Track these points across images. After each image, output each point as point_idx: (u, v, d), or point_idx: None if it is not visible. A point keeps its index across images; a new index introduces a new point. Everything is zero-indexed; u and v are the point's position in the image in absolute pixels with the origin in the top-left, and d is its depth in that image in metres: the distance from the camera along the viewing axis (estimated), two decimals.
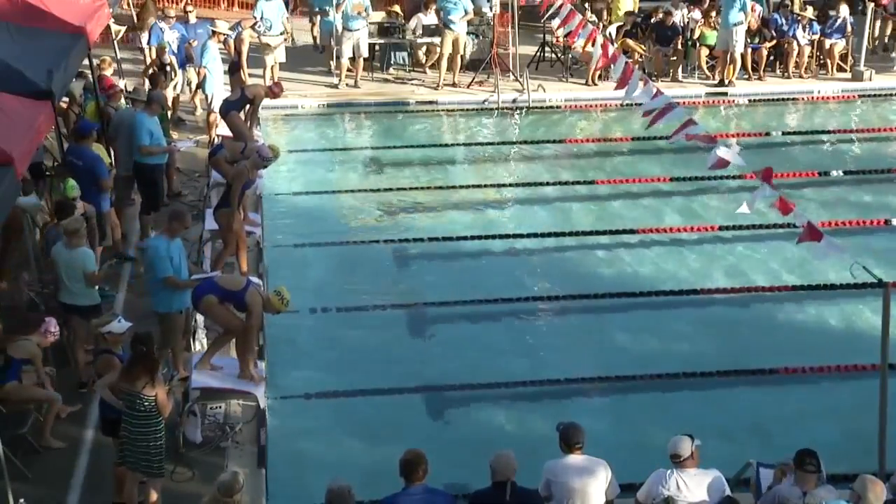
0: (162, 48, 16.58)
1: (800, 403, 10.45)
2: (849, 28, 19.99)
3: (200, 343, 10.47)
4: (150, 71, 15.88)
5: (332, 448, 9.68)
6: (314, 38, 20.83)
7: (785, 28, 19.94)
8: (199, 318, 10.48)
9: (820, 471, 7.45)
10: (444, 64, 19.33)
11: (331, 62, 19.60)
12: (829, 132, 18.16)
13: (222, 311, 9.59)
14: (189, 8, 17.93)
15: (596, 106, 18.96)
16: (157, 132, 12.85)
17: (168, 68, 16.23)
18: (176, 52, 16.74)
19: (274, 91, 14.68)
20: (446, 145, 17.29)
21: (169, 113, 15.13)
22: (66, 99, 13.81)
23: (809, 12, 20.24)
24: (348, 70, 19.26)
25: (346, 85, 19.31)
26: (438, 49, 19.61)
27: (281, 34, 18.64)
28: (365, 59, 19.41)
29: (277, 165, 13.73)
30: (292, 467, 9.32)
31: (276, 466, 9.09)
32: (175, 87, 16.62)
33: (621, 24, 20.16)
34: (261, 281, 11.47)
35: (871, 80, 19.64)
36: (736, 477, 8.37)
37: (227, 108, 14.19)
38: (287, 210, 14.71)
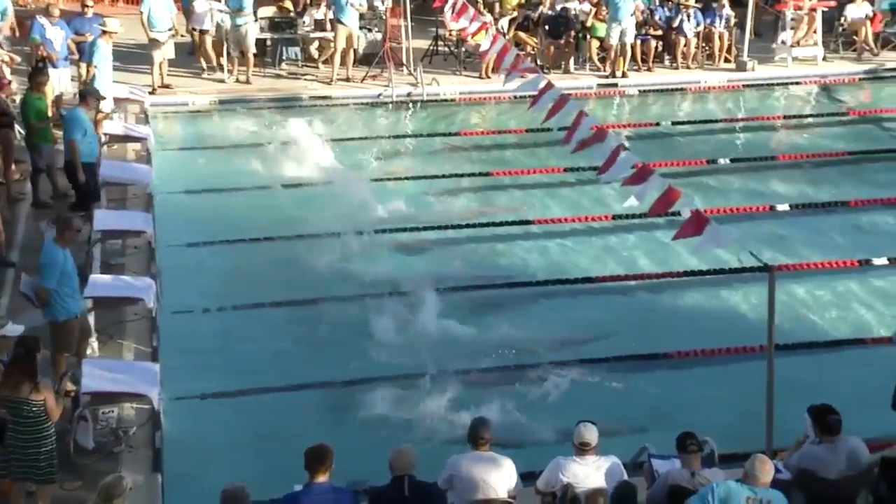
0: (36, 44, 16.04)
1: (693, 386, 10.70)
2: (731, 20, 20.53)
3: (92, 348, 10.22)
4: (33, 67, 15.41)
5: (230, 449, 9.54)
6: (190, 33, 20.29)
7: (671, 17, 20.34)
8: (93, 323, 10.23)
9: (702, 449, 7.64)
10: (337, 59, 19.22)
11: (202, 59, 19.33)
12: (715, 121, 18.63)
13: None
14: (89, 2, 17.32)
15: (490, 98, 19.08)
16: (90, 129, 12.82)
17: (45, 64, 15.71)
18: (59, 49, 16.23)
19: None
20: (340, 140, 17.19)
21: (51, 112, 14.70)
22: None
23: (692, 0, 20.68)
24: (240, 66, 19.04)
25: (238, 81, 19.07)
26: (331, 44, 19.49)
27: (169, 30, 18.27)
28: (255, 55, 19.17)
29: (169, 163, 13.51)
30: (190, 470, 9.13)
31: (173, 470, 8.90)
32: (57, 84, 16.12)
33: (513, 16, 20.33)
34: (154, 282, 11.27)
35: (754, 70, 20.20)
36: (632, 461, 8.52)
37: None
38: (179, 209, 14.43)
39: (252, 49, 19.01)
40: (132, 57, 19.41)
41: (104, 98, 14.96)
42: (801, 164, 16.54)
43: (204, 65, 19.40)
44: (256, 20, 19.54)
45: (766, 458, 6.92)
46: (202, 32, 19.20)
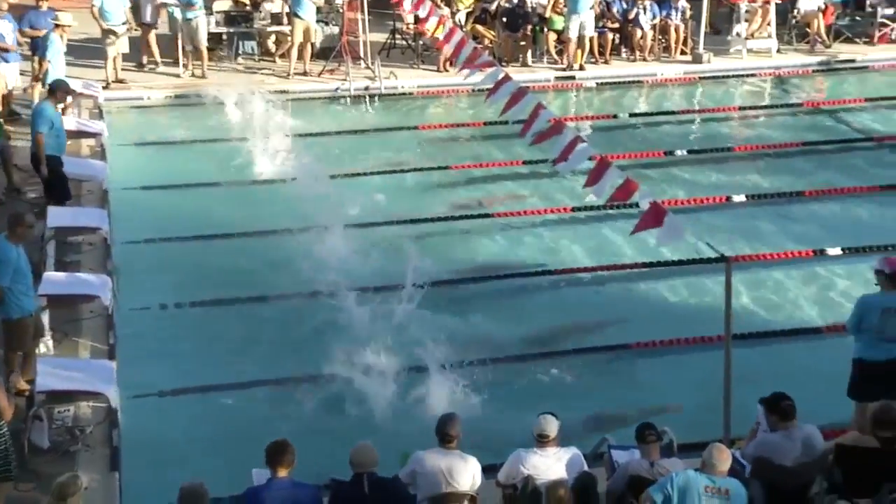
0: None
1: (652, 377, 10.77)
2: (687, 12, 20.68)
3: (47, 346, 10.09)
4: None
5: (189, 446, 9.46)
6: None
7: (627, 9, 20.44)
8: (47, 321, 10.09)
9: (660, 440, 7.70)
10: (294, 53, 19.11)
11: (144, 55, 19.16)
12: (672, 113, 18.75)
13: None
14: None
15: (448, 92, 19.06)
16: (57, 122, 12.72)
17: None
18: (10, 43, 15.98)
19: None
20: (299, 135, 17.08)
21: None
22: None
23: None
24: (195, 61, 18.88)
25: (193, 75, 18.90)
26: (288, 38, 19.38)
27: (123, 24, 18.07)
28: (211, 49, 19.02)
29: (124, 159, 13.37)
30: (148, 468, 9.04)
31: (131, 468, 8.81)
32: (7, 79, 15.88)
33: (470, 10, 20.32)
34: (110, 279, 11.15)
35: (709, 62, 20.35)
36: (592, 452, 8.57)
37: None
38: (136, 205, 14.27)
39: (205, 43, 18.84)
40: (86, 51, 19.20)
41: (74, 92, 14.81)
42: (756, 155, 16.70)
43: (144, 59, 19.19)
44: (212, 13, 19.40)
45: (724, 447, 6.98)
46: (147, 26, 18.99)
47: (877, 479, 7.15)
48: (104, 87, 17.73)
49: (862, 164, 16.16)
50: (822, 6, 21.21)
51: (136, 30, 19.14)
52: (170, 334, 11.27)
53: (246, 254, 13.04)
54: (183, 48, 18.87)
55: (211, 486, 7.04)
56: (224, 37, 19.94)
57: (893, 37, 21.66)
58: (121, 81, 18.35)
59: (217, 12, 19.59)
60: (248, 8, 20.06)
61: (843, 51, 21.17)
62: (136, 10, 19.02)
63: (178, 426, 9.79)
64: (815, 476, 7.65)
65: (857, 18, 22.01)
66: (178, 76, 18.91)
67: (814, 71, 20.69)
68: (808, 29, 21.35)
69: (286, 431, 8.39)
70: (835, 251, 13.08)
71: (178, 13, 18.67)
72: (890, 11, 21.76)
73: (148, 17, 18.91)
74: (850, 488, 7.43)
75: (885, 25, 21.62)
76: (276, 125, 17.01)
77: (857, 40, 21.56)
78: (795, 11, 21.42)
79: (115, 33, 17.81)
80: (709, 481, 6.73)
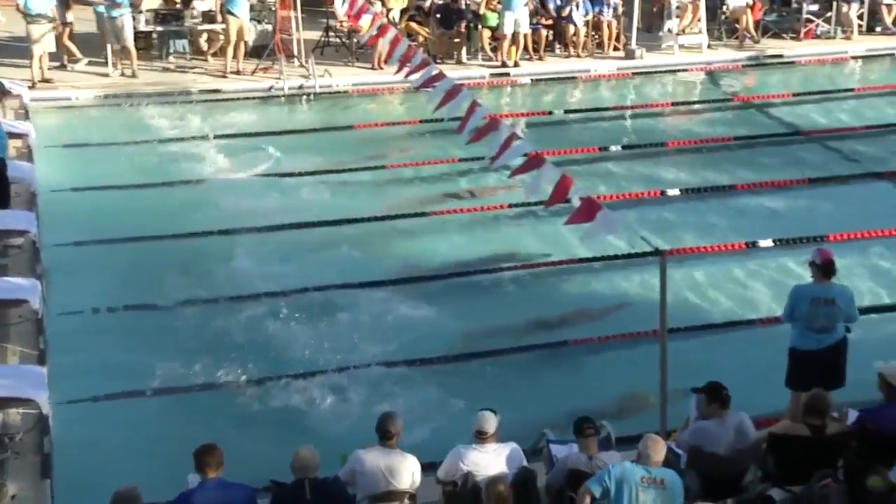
0: None
1: (589, 372, 10.83)
2: (619, 9, 20.88)
3: None
4: None
5: (123, 452, 9.28)
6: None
7: (561, 6, 20.55)
8: None
9: (598, 433, 7.76)
10: (230, 51, 18.91)
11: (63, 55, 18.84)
12: (606, 109, 18.90)
13: None
14: None
15: (383, 90, 19.00)
16: None
17: None
18: None
19: None
20: (232, 136, 16.90)
21: None
22: None
23: None
24: (124, 60, 18.60)
25: (123, 74, 18.61)
26: (220, 36, 19.17)
27: (49, 22, 17.73)
28: (141, 48, 18.74)
29: (52, 160, 13.10)
30: (81, 475, 8.85)
31: (64, 475, 8.63)
32: None
33: (404, 7, 20.29)
34: (39, 283, 10.91)
35: (642, 58, 20.56)
36: (532, 447, 8.58)
37: None
38: (65, 207, 13.99)
39: (132, 41, 18.55)
40: (10, 50, 18.80)
41: (10, 92, 14.50)
42: (689, 149, 16.90)
43: (65, 59, 18.83)
44: (141, 11, 19.12)
45: (658, 437, 7.04)
46: (63, 24, 18.63)
47: (808, 467, 7.27)
48: (30, 87, 17.39)
49: (791, 158, 16.45)
50: (750, 2, 21.57)
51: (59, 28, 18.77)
52: (103, 338, 11.07)
53: (179, 255, 12.87)
54: (111, 47, 18.55)
55: (147, 492, 6.93)
56: (154, 35, 19.66)
57: (818, 32, 22.10)
58: (47, 81, 18.01)
59: (147, 10, 19.30)
60: (178, 6, 19.80)
61: (771, 46, 21.55)
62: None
63: (113, 432, 9.61)
64: (748, 464, 7.76)
65: (784, 14, 22.44)
66: (107, 76, 18.61)
67: (743, 66, 21.04)
68: (737, 25, 21.70)
69: (223, 435, 8.30)
70: (766, 243, 13.29)
71: (103, 11, 18.34)
72: (815, 7, 22.21)
73: (66, 16, 18.54)
74: (783, 476, 7.54)
75: (811, 21, 22.05)
76: (209, 125, 16.80)
77: (784, 36, 21.98)
78: (724, 7, 21.75)
79: (39, 23, 17.39)
80: (644, 472, 6.80)
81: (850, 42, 21.94)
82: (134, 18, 18.85)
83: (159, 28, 19.61)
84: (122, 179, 15.01)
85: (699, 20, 21.23)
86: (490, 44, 20.30)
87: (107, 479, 8.32)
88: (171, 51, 19.75)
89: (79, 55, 18.82)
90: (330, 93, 18.91)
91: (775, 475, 7.61)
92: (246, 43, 19.30)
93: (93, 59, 19.02)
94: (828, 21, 22.10)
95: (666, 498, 6.75)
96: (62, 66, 18.81)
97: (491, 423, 7.60)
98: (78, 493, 8.56)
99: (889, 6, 22.39)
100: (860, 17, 22.16)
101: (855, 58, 21.62)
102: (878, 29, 22.39)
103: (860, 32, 22.16)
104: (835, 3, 21.98)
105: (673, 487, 6.79)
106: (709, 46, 21.28)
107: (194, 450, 6.95)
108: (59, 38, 18.61)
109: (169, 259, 12.80)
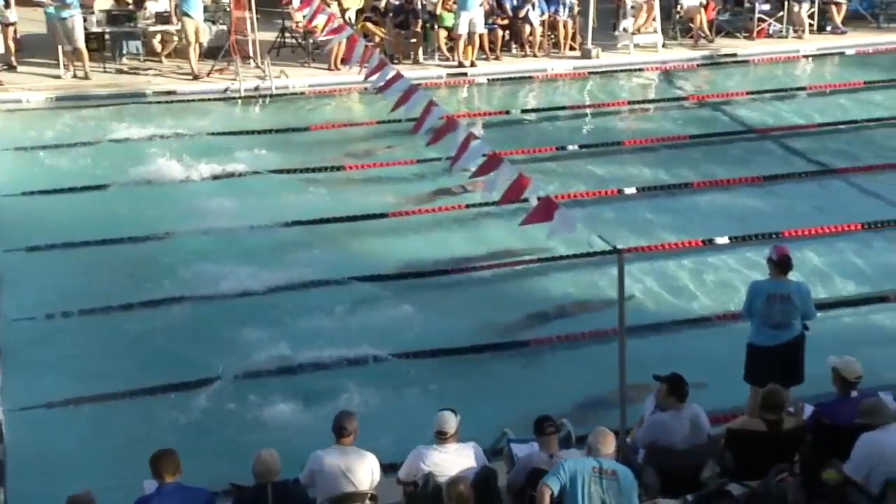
0: None
1: (548, 371, 10.85)
2: (575, 8, 20.96)
3: None
4: None
5: (79, 458, 9.16)
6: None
7: (517, 6, 20.60)
8: None
9: (559, 432, 7.77)
10: (191, 52, 18.74)
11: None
12: (563, 108, 18.97)
13: None
14: None
15: (340, 91, 18.93)
16: None
17: None
18: None
19: None
20: (189, 136, 16.75)
21: None
22: None
23: None
24: (76, 62, 18.38)
25: (76, 76, 18.38)
26: (174, 37, 18.99)
27: None
28: (94, 50, 18.52)
29: (3, 164, 12.91)
30: (36, 482, 8.73)
31: (18, 483, 8.52)
32: None
33: (360, 7, 20.22)
34: None
35: (598, 57, 20.66)
36: (493, 447, 8.59)
37: None
38: (17, 211, 13.83)
39: (82, 42, 18.32)
40: None
41: None
42: (646, 148, 17.00)
43: (13, 60, 18.58)
44: (93, 12, 18.89)
45: (607, 430, 7.05)
46: (4, 25, 18.37)
47: (765, 461, 7.33)
48: None
49: (745, 156, 16.60)
50: (704, 2, 21.75)
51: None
52: (58, 344, 10.92)
53: (135, 259, 12.74)
54: (62, 48, 18.31)
55: (103, 499, 6.85)
56: (107, 36, 19.43)
57: (771, 31, 22.35)
58: None
59: (99, 11, 19.07)
60: (131, 7, 19.59)
61: (724, 45, 21.75)
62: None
63: (68, 438, 9.48)
64: (705, 458, 7.80)
65: (737, 14, 22.66)
66: (58, 77, 18.37)
67: (698, 65, 21.20)
68: (691, 24, 21.87)
69: (181, 440, 8.23)
70: (723, 240, 13.39)
71: (53, 12, 18.12)
72: (767, 7, 22.45)
73: (10, 17, 18.29)
74: (741, 471, 7.60)
75: (763, 21, 22.28)
76: (164, 127, 16.62)
77: (738, 35, 22.20)
78: (679, 7, 21.91)
79: None
80: (595, 462, 6.82)
81: (801, 41, 22.21)
82: (85, 19, 18.64)
83: (111, 29, 19.38)
84: (74, 182, 14.82)
85: (654, 20, 21.37)
86: (446, 44, 20.30)
87: (62, 486, 8.20)
88: (125, 52, 19.53)
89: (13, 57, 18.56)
90: (286, 94, 18.81)
91: (733, 470, 7.67)
92: (201, 44, 19.14)
93: (44, 61, 18.76)
94: (780, 21, 22.35)
95: (618, 488, 6.76)
96: (11, 68, 18.55)
97: (451, 422, 7.59)
98: (32, 502, 8.44)
99: (839, 6, 22.69)
100: (811, 16, 22.44)
101: (806, 56, 21.89)
102: (829, 28, 22.69)
103: (811, 32, 22.44)
104: (786, 3, 22.24)
105: (625, 478, 6.81)
106: (664, 46, 21.43)
107: (150, 455, 6.85)
108: (4, 39, 18.39)
109: (124, 262, 12.66)
